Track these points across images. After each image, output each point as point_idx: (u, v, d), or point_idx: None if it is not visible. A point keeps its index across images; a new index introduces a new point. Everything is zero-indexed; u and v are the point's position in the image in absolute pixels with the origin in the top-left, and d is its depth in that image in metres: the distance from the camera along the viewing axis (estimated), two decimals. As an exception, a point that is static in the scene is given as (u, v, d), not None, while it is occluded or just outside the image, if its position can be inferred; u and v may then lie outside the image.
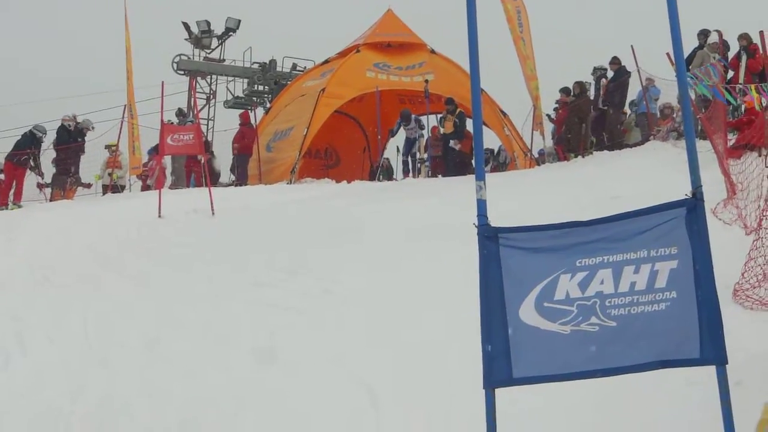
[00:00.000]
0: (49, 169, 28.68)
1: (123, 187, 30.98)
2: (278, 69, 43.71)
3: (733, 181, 16.20)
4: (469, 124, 28.33)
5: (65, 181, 28.54)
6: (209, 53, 44.59)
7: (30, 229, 19.30)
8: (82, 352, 11.89)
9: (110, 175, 30.09)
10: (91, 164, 30.46)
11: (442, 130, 29.59)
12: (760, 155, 17.37)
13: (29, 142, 27.52)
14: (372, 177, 31.43)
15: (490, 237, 5.95)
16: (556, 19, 74.65)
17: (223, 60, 44.88)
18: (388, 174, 32.70)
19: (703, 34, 25.48)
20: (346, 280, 13.73)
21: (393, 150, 33.52)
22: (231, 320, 12.46)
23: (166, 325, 12.52)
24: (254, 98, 44.02)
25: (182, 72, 43.62)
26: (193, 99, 40.62)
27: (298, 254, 15.37)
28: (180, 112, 34.06)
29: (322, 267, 14.53)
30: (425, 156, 30.15)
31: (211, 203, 20.78)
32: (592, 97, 29.13)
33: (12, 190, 27.14)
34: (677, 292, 5.68)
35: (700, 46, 25.25)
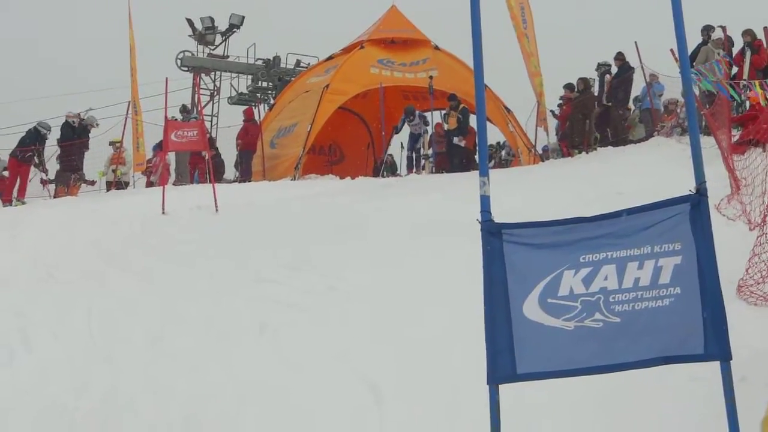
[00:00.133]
0: (53, 166, 28.73)
1: (127, 184, 31.02)
2: (282, 65, 43.74)
3: (737, 176, 16.20)
4: (473, 120, 28.37)
5: (69, 177, 28.57)
6: (213, 50, 44.62)
7: (34, 225, 19.29)
8: (86, 348, 11.89)
9: (114, 171, 30.11)
10: (95, 161, 30.51)
11: (446, 127, 29.58)
12: (764, 151, 17.34)
13: (34, 139, 27.56)
14: (376, 173, 31.45)
15: (493, 233, 5.95)
16: (560, 15, 74.68)
17: (227, 56, 44.89)
18: (391, 170, 32.73)
19: (707, 30, 25.43)
20: (350, 276, 13.73)
21: (397, 146, 33.57)
22: (234, 316, 12.46)
23: (170, 321, 12.52)
24: (258, 94, 44.05)
25: (186, 68, 43.63)
26: (197, 95, 40.67)
27: (301, 250, 15.36)
28: (184, 109, 34.05)
29: (326, 263, 14.52)
30: (429, 152, 30.15)
31: (215, 200, 20.79)
32: (596, 94, 29.13)
33: (16, 187, 27.17)
34: (681, 288, 5.67)
35: (704, 42, 25.20)
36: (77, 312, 13.21)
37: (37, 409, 10.13)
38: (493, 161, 32.30)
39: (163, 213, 20.50)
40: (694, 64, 22.77)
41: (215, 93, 45.42)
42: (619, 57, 28.54)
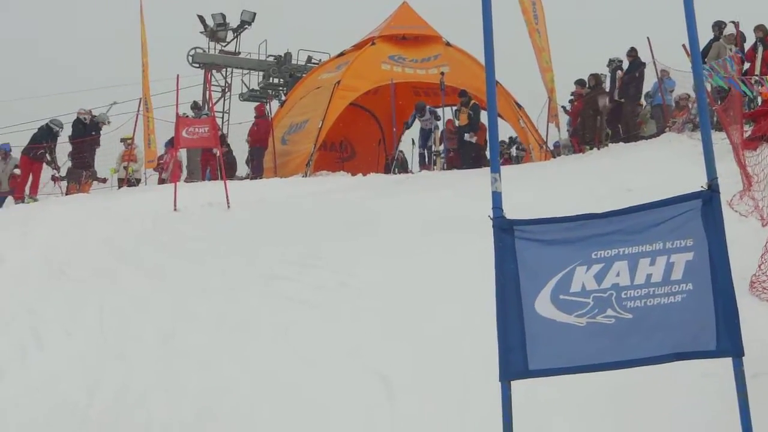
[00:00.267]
0: (64, 163, 28.77)
1: (138, 181, 31.05)
2: (293, 62, 43.82)
3: (749, 172, 16.14)
4: (484, 117, 28.36)
5: (81, 174, 28.62)
6: (224, 46, 44.71)
7: (46, 222, 19.33)
8: (99, 345, 11.91)
9: (126, 168, 30.15)
10: (106, 158, 30.56)
11: (457, 123, 29.56)
12: (776, 146, 17.29)
13: (45, 136, 27.62)
14: (387, 170, 31.44)
15: (505, 229, 5.95)
16: (571, 10, 74.56)
17: (239, 53, 44.99)
18: (403, 167, 32.71)
19: (718, 25, 25.37)
20: (362, 272, 13.72)
21: (408, 142, 33.54)
22: (246, 313, 12.47)
23: (182, 318, 12.53)
24: (269, 91, 44.13)
25: (197, 65, 43.73)
26: (208, 92, 40.63)
27: (313, 247, 15.37)
28: (195, 105, 34.10)
29: (337, 260, 14.52)
30: (440, 148, 30.14)
31: (227, 196, 20.81)
32: (607, 89, 29.08)
33: (28, 184, 27.24)
34: (693, 284, 5.67)
35: (716, 38, 25.14)
36: (89, 309, 13.24)
37: (48, 406, 10.16)
38: (502, 157, 32.25)
39: (175, 210, 20.52)
40: (705, 59, 22.72)
41: (226, 90, 45.54)
42: (632, 53, 28.48)
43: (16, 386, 10.74)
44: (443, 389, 9.45)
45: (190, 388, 10.26)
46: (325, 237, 16.03)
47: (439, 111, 30.73)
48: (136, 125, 30.98)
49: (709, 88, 20.48)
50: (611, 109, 28.62)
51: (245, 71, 45.13)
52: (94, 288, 14.33)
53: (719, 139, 16.02)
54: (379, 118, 35.55)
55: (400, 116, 32.23)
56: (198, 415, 9.68)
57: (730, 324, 5.58)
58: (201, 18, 44.13)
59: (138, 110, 31.32)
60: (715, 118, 20.15)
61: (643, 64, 28.44)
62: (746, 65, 23.82)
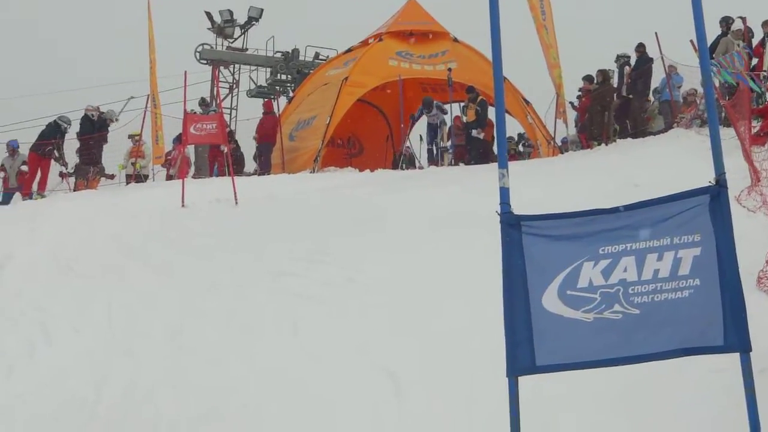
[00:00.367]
0: (72, 159, 28.79)
1: (146, 177, 31.02)
2: (301, 58, 43.71)
3: (757, 168, 16.12)
4: (492, 113, 28.32)
5: (88, 170, 28.62)
6: (232, 42, 44.62)
7: (54, 219, 19.32)
8: (106, 341, 11.94)
9: (133, 164, 30.14)
10: (114, 154, 30.54)
11: (464, 119, 29.54)
12: (784, 142, 17.28)
13: (53, 133, 27.64)
14: (395, 166, 31.43)
15: (512, 225, 5.95)
16: (579, 6, 74.45)
17: (246, 49, 44.89)
18: (410, 162, 32.70)
19: (725, 21, 25.31)
20: (369, 268, 13.73)
21: (416, 139, 33.51)
22: (254, 309, 12.49)
23: (190, 314, 12.55)
24: (277, 87, 44.03)
25: (205, 61, 43.67)
26: (216, 88, 40.71)
27: (321, 243, 15.37)
28: (203, 102, 34.05)
29: (345, 256, 14.52)
30: (448, 144, 30.13)
31: (235, 192, 20.81)
32: (615, 85, 29.05)
33: (36, 180, 27.27)
34: (701, 280, 5.67)
35: (724, 33, 25.08)
36: (97, 306, 13.27)
37: (57, 402, 10.19)
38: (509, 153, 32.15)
39: (183, 206, 20.50)
40: (713, 55, 22.67)
41: (234, 86, 45.45)
42: (640, 48, 28.42)
43: (25, 382, 10.78)
44: (450, 385, 9.46)
45: (197, 384, 10.28)
46: (333, 233, 16.03)
47: (446, 106, 30.69)
48: (144, 121, 31.02)
49: (717, 84, 20.44)
50: (619, 105, 28.60)
51: (253, 67, 45.02)
52: (102, 284, 14.35)
53: (727, 135, 15.97)
54: (387, 114, 35.48)
55: (408, 112, 32.18)
56: (206, 411, 9.70)
57: (737, 319, 5.58)
58: (208, 14, 44.06)
59: (146, 106, 31.34)
60: (723, 114, 20.11)
61: (651, 60, 28.38)
62: (754, 61, 23.77)
